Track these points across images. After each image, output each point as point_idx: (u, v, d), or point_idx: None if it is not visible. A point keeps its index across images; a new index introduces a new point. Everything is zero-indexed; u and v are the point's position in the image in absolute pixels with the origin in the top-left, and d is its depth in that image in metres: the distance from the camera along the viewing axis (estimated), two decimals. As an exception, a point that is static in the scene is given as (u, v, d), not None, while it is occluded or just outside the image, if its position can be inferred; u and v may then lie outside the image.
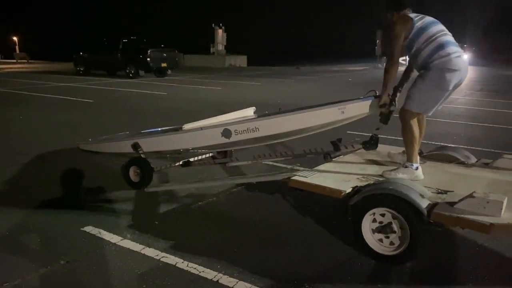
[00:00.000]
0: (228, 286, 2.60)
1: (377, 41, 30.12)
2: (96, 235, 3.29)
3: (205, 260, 2.89)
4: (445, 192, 2.92)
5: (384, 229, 2.85)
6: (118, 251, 3.05)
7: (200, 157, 4.68)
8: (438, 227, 2.87)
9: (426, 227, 2.71)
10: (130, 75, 18.37)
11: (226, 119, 4.09)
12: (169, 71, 19.76)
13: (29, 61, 32.52)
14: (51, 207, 3.92)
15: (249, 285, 2.61)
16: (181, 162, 4.48)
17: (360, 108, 3.42)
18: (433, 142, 5.58)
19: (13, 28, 37.20)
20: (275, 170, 4.64)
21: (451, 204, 2.65)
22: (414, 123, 3.24)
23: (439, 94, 3.19)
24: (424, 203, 2.68)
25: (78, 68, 20.05)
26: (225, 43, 33.62)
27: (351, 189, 2.99)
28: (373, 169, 3.48)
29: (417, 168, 3.24)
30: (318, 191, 3.13)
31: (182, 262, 2.87)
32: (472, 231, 2.79)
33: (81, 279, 2.70)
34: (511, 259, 3.01)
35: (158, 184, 4.44)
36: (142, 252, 3.03)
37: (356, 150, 3.99)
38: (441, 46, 3.12)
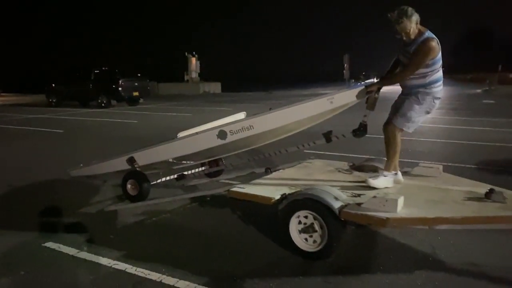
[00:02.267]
0: (169, 284, 2.97)
1: (345, 65, 31.31)
2: (56, 249, 3.61)
3: (152, 265, 3.25)
4: (359, 195, 3.39)
5: (307, 229, 3.28)
6: (75, 262, 3.38)
7: (193, 171, 4.82)
8: (351, 225, 3.31)
9: (340, 225, 3.16)
10: (102, 104, 18.70)
11: (220, 124, 4.16)
12: (141, 100, 20.15)
13: (1, 94, 32.39)
14: (16, 228, 4.21)
15: (187, 282, 2.98)
16: (175, 176, 4.62)
17: (348, 97, 3.60)
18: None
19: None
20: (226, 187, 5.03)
21: (359, 204, 3.12)
22: (399, 137, 3.64)
23: (424, 116, 3.64)
24: (337, 204, 3.14)
25: (50, 100, 20.24)
26: (199, 71, 34.31)
27: (279, 196, 3.42)
28: (306, 181, 3.93)
29: (396, 174, 3.71)
30: (252, 199, 3.55)
31: (131, 268, 3.22)
32: (394, 231, 3.25)
33: (39, 286, 3.03)
34: (422, 252, 3.46)
35: (116, 203, 4.77)
36: (96, 261, 3.37)
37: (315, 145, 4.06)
38: (439, 78, 3.55)
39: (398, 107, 3.64)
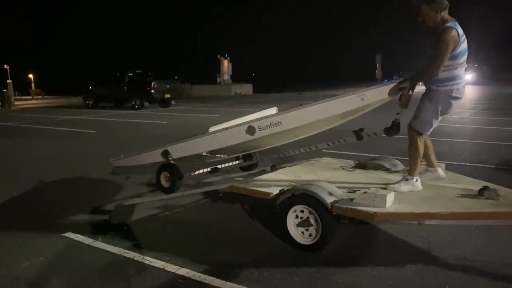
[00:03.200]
0: (171, 271, 3.20)
1: (377, 65, 30.95)
2: (73, 238, 3.93)
3: (158, 254, 3.49)
4: (354, 191, 3.51)
5: (304, 223, 3.43)
6: (89, 250, 3.68)
7: (227, 164, 4.96)
8: (345, 220, 3.43)
9: (333, 219, 3.29)
10: (136, 106, 19.36)
11: (250, 119, 4.15)
12: (173, 102, 20.71)
13: (44, 96, 34.05)
14: (40, 219, 4.57)
15: (187, 270, 3.20)
16: (209, 169, 4.79)
17: (379, 94, 3.46)
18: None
19: (28, 66, 39.15)
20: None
21: (351, 199, 3.24)
22: (420, 140, 3.45)
23: (440, 116, 3.44)
24: (330, 199, 3.27)
25: (87, 102, 21.17)
26: (231, 73, 34.80)
27: (278, 191, 3.59)
28: (308, 177, 4.07)
29: (417, 180, 3.49)
30: (252, 194, 3.74)
31: (139, 256, 3.48)
32: (393, 227, 3.34)
33: (55, 271, 3.34)
34: (417, 247, 3.53)
35: (131, 197, 5.06)
36: (108, 249, 3.65)
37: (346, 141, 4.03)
38: (457, 77, 3.31)
39: (416, 109, 3.51)
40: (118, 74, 20.54)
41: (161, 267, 3.27)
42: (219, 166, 4.82)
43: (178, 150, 4.31)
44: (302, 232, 3.46)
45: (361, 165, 4.43)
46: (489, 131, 10.20)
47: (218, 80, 35.16)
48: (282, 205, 3.52)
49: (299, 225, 3.47)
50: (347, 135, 3.90)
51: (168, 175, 4.42)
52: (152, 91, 19.20)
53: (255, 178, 4.11)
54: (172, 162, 4.37)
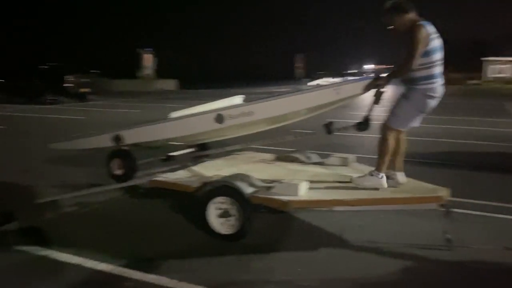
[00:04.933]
0: (90, 267, 3.15)
1: (297, 64, 32.15)
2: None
3: (76, 250, 3.39)
4: (272, 182, 3.70)
5: (224, 214, 3.56)
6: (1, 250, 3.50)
7: (181, 152, 4.73)
8: (263, 209, 3.61)
9: (253, 209, 3.46)
10: (49, 101, 18.24)
11: (215, 107, 4.02)
12: (90, 96, 19.81)
13: None
14: None
15: (107, 265, 3.17)
16: (164, 157, 4.54)
17: (354, 89, 3.52)
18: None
19: None
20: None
21: (268, 189, 3.44)
22: (391, 137, 3.49)
23: (416, 115, 3.48)
24: (249, 190, 3.43)
25: (-4, 96, 19.47)
26: (155, 67, 34.02)
27: (198, 184, 3.68)
28: (229, 170, 4.19)
29: (382, 177, 3.50)
30: (174, 188, 3.80)
31: (56, 253, 3.38)
32: (308, 214, 3.57)
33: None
34: (329, 233, 3.82)
35: (48, 195, 4.84)
36: (23, 249, 3.49)
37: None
38: (432, 76, 3.34)
39: (391, 105, 3.56)
40: (30, 67, 19.21)
41: (79, 263, 3.21)
42: (173, 154, 4.62)
43: (133, 136, 4.06)
44: (223, 223, 3.58)
45: (279, 158, 4.66)
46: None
47: (139, 74, 34.19)
48: (203, 197, 3.62)
49: (220, 216, 3.58)
50: (317, 129, 3.90)
51: (121, 162, 4.14)
52: (67, 85, 18.20)
53: (176, 172, 4.16)
54: (124, 148, 4.11)
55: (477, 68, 39.98)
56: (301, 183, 3.36)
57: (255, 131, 4.29)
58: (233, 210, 3.52)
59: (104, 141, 4.19)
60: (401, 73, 3.39)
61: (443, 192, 3.33)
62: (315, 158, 4.64)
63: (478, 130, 10.59)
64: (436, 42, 3.32)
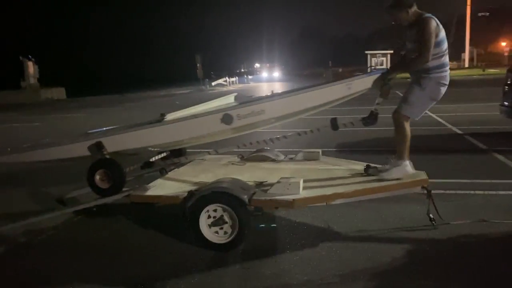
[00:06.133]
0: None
1: (198, 65, 31.91)
2: None
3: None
4: (261, 183, 3.61)
5: (217, 222, 3.36)
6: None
7: (157, 157, 4.28)
8: (258, 212, 3.51)
9: (249, 213, 3.34)
10: None
11: (214, 106, 3.76)
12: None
13: None
14: None
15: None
16: (141, 164, 4.09)
17: (365, 83, 3.53)
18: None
19: None
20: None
21: (265, 190, 3.34)
22: (407, 125, 3.54)
23: (430, 103, 3.56)
24: (245, 194, 3.29)
25: None
26: (38, 76, 31.13)
27: (186, 194, 3.43)
28: (206, 175, 3.99)
29: (406, 165, 3.55)
30: (156, 201, 3.51)
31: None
32: (287, 212, 3.51)
33: None
34: (317, 227, 3.84)
35: None
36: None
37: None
38: (444, 64, 3.47)
39: (404, 94, 3.59)
40: None
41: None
42: (152, 160, 4.21)
43: (118, 143, 3.62)
44: (217, 232, 3.39)
45: (248, 159, 4.56)
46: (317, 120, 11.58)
47: (23, 84, 31.02)
48: (193, 207, 3.38)
49: (212, 224, 3.38)
50: (321, 125, 3.84)
51: (106, 173, 3.64)
52: None
53: (151, 184, 3.83)
54: (108, 157, 3.64)
55: (362, 61, 43.69)
56: (300, 180, 3.32)
57: (252, 130, 4.06)
58: (226, 217, 3.35)
59: (80, 149, 3.69)
60: (417, 65, 3.47)
61: (425, 176, 3.55)
62: (281, 156, 4.63)
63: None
64: (443, 32, 3.46)
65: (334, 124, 3.70)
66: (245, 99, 4.28)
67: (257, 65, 76.11)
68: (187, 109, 4.02)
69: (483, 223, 3.67)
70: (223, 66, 54.42)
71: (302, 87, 3.75)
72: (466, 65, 45.77)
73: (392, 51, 41.22)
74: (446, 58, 3.50)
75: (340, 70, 50.22)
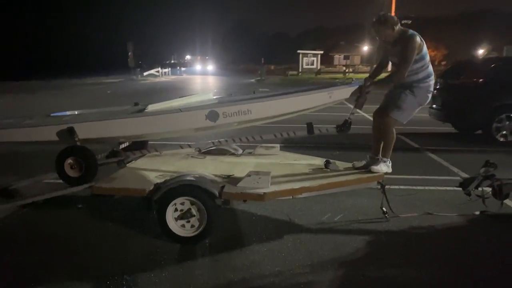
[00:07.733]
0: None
1: (129, 53, 30.72)
2: None
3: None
4: (228, 176, 3.63)
5: (185, 215, 3.34)
6: None
7: (123, 145, 4.12)
8: (227, 205, 3.53)
9: (218, 206, 3.35)
10: None
11: (192, 101, 3.80)
12: None
13: None
14: None
15: None
16: (107, 153, 3.92)
17: (344, 93, 3.72)
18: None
19: None
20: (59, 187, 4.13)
21: (235, 184, 3.37)
22: (393, 128, 3.81)
23: (418, 109, 3.83)
24: (215, 187, 3.31)
25: None
26: None
27: (153, 186, 3.36)
28: (168, 168, 3.93)
29: (390, 162, 3.87)
30: (122, 193, 3.39)
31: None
32: (247, 206, 3.57)
33: None
34: (279, 220, 3.95)
35: None
36: None
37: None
38: (429, 74, 3.76)
39: (394, 100, 3.78)
40: None
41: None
42: (116, 149, 4.04)
43: (92, 130, 3.48)
44: (183, 225, 3.37)
45: (207, 152, 4.54)
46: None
47: None
48: (160, 200, 3.32)
49: (179, 218, 3.35)
50: (297, 129, 3.99)
51: (78, 161, 3.45)
52: None
53: (111, 176, 3.68)
54: (79, 144, 3.46)
55: (292, 60, 44.86)
56: (269, 175, 3.39)
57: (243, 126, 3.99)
58: (194, 210, 3.34)
59: (46, 134, 3.47)
60: (396, 80, 3.76)
61: (381, 171, 3.80)
62: (239, 150, 4.67)
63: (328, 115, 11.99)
64: (425, 46, 3.74)
65: (309, 128, 3.83)
66: (224, 97, 4.35)
67: (188, 57, 74.88)
68: (168, 102, 3.94)
69: (428, 215, 4.01)
70: (155, 56, 52.80)
71: (286, 91, 3.93)
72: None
73: (321, 52, 42.86)
74: (430, 68, 3.80)
75: (273, 67, 50.98)
